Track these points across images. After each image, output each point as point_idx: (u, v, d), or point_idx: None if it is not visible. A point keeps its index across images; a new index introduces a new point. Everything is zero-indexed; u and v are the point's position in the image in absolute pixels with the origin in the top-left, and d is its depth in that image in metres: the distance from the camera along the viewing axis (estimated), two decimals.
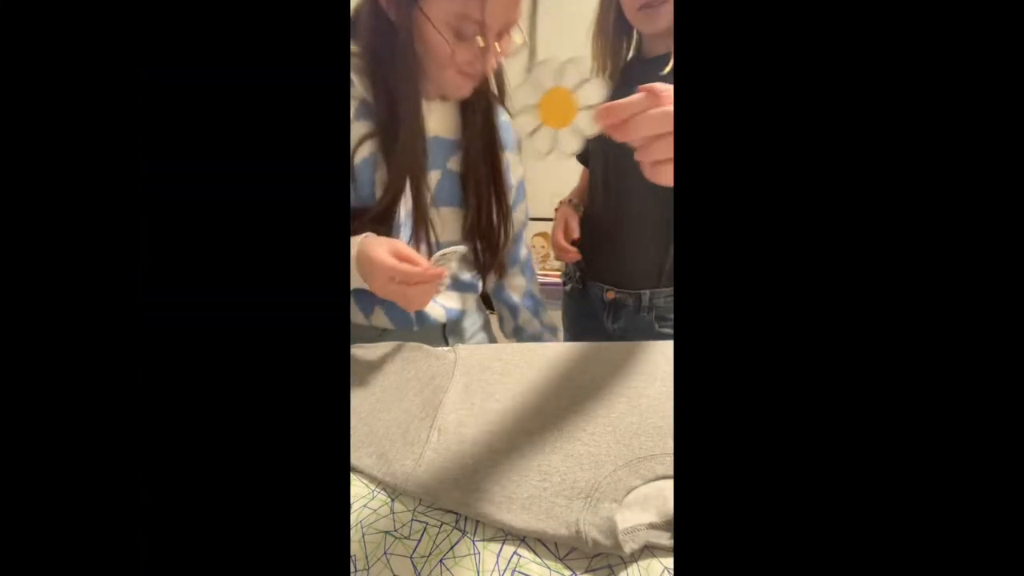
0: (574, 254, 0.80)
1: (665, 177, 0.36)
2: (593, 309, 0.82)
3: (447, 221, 0.66)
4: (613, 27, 0.72)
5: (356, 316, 0.69)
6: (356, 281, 0.55)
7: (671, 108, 0.33)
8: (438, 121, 0.64)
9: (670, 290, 0.73)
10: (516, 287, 0.79)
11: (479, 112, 0.65)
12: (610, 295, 0.78)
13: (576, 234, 0.80)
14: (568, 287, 0.86)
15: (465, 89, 0.60)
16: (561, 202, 0.85)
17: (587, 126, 0.35)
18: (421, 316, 0.68)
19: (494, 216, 0.68)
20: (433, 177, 0.64)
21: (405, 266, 0.49)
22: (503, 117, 0.68)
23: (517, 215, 0.73)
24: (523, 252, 0.79)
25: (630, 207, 0.74)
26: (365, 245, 0.53)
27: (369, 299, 0.67)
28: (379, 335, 0.70)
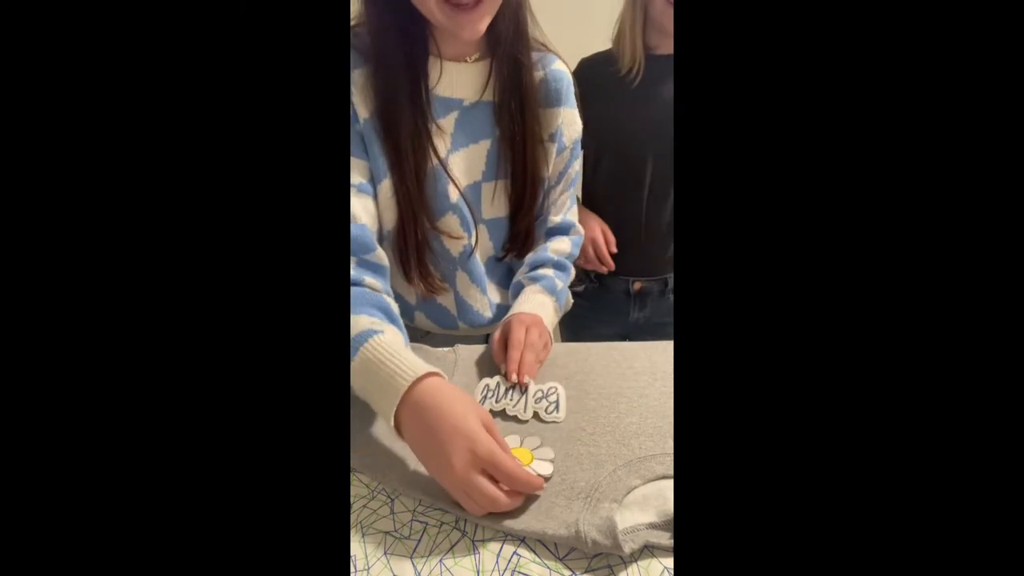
0: (610, 263, 0.81)
1: None
2: (614, 304, 0.86)
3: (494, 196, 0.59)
4: (642, 24, 0.73)
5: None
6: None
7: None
8: (459, 83, 0.54)
9: None
10: (558, 250, 0.67)
11: (507, 65, 0.54)
12: (637, 286, 0.83)
13: (614, 245, 0.81)
14: (582, 288, 0.87)
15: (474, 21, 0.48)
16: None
17: None
18: (467, 313, 0.63)
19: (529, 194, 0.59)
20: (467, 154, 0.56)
21: (508, 460, 0.36)
22: (554, 66, 0.58)
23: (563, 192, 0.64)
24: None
25: (643, 203, 0.79)
26: (441, 396, 0.38)
27: (407, 304, 0.64)
28: (422, 336, 0.66)
